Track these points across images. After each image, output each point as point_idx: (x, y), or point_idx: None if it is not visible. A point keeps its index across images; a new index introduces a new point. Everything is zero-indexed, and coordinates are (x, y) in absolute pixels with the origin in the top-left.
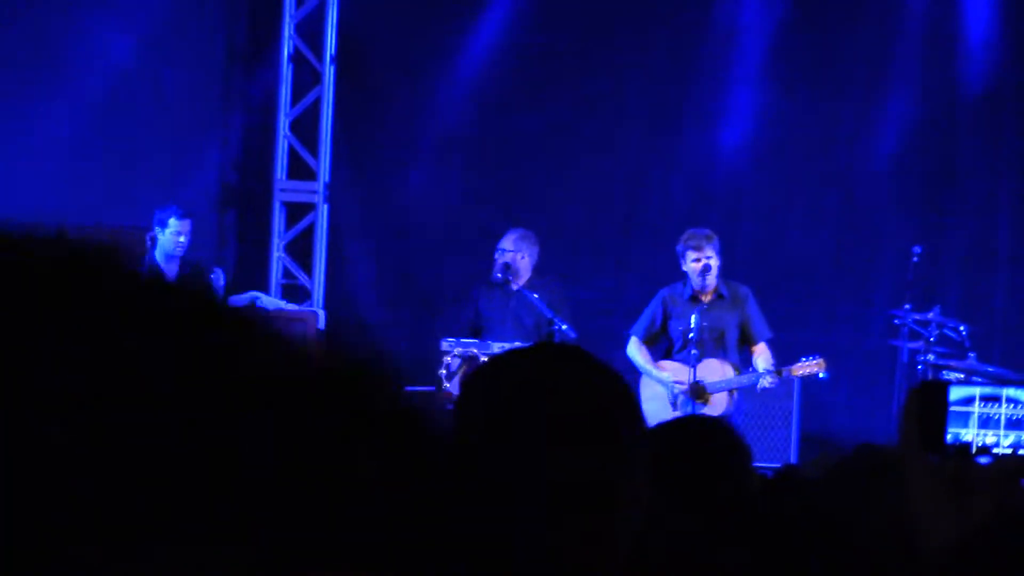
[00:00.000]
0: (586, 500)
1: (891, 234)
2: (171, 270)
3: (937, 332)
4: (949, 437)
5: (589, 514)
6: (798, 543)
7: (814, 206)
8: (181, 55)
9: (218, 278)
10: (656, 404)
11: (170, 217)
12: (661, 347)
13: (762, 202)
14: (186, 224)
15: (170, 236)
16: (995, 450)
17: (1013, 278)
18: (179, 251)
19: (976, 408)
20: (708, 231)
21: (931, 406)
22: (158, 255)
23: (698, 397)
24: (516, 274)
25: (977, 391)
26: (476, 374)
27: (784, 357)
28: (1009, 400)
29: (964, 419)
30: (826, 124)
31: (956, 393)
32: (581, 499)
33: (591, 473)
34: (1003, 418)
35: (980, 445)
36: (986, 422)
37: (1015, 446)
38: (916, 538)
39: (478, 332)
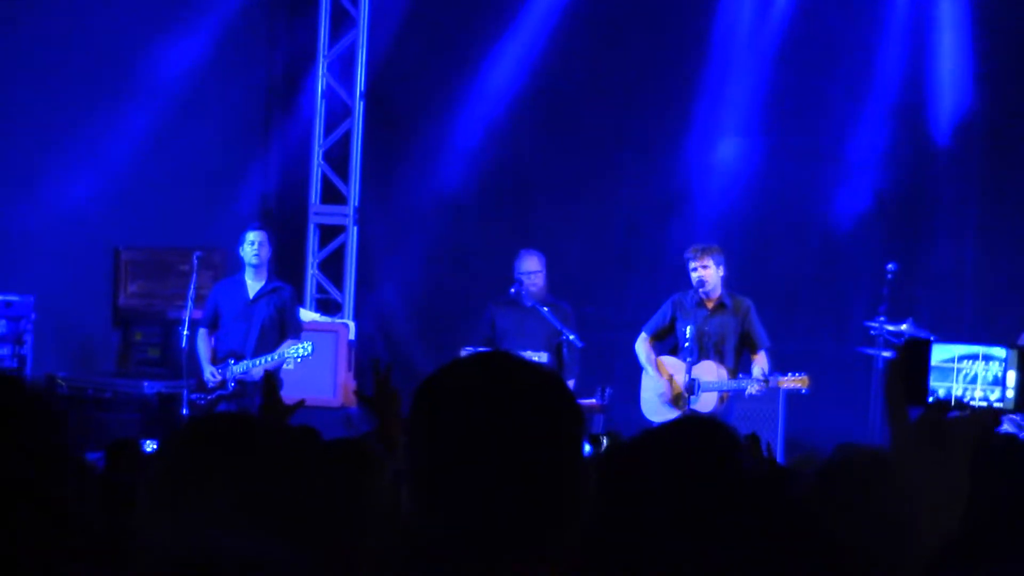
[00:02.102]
0: (529, 483)
1: (868, 253)
2: (255, 287)
3: None
4: (941, 392)
5: (533, 496)
6: (789, 537)
7: (798, 227)
8: (226, 92)
9: (293, 295)
10: (653, 395)
11: (246, 232)
12: (669, 343)
13: (750, 224)
14: (260, 235)
15: (248, 248)
16: (971, 403)
17: (979, 293)
18: (257, 261)
19: (956, 365)
20: (706, 244)
21: (914, 362)
22: (247, 275)
23: (688, 392)
24: (537, 296)
25: (957, 350)
26: (428, 379)
27: (772, 364)
28: (986, 358)
29: (946, 375)
30: (809, 153)
31: (938, 352)
32: (524, 483)
33: (530, 458)
34: (981, 374)
35: (958, 398)
36: (967, 378)
37: (990, 400)
38: (898, 484)
39: (492, 345)
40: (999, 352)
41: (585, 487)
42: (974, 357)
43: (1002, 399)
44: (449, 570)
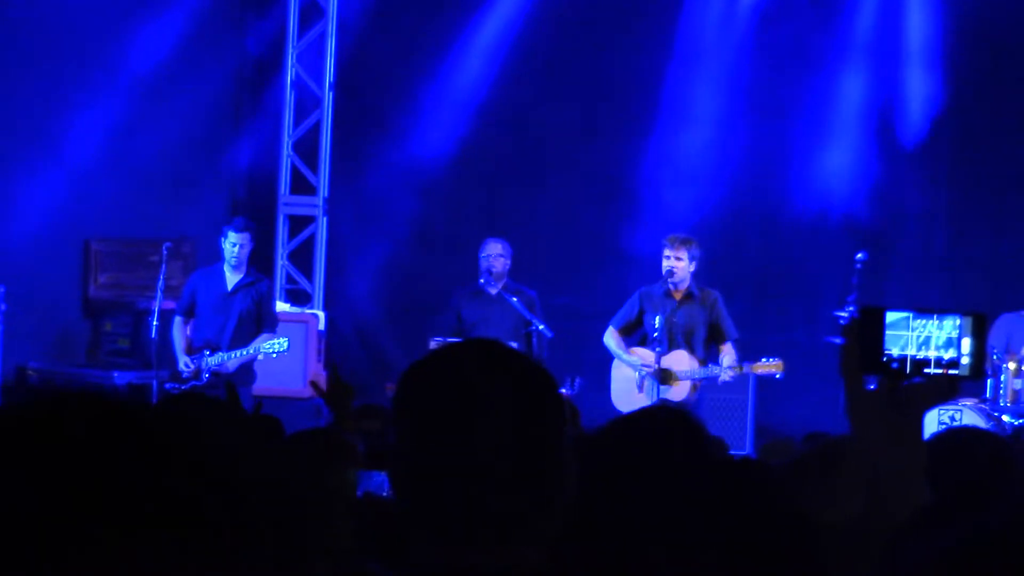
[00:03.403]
0: (512, 470)
1: (838, 242)
2: (233, 279)
3: None
4: (895, 352)
5: (517, 483)
6: (761, 527)
7: (768, 217)
8: (195, 83)
9: (270, 288)
10: (624, 385)
11: (229, 230)
12: (636, 337)
13: (721, 214)
14: (242, 236)
15: (228, 246)
16: (927, 370)
17: (949, 281)
18: (235, 260)
19: (911, 332)
20: (686, 236)
21: (869, 330)
22: (224, 265)
23: (663, 381)
24: (500, 278)
25: (911, 316)
26: (412, 366)
27: (743, 355)
28: (942, 324)
29: (902, 339)
30: (779, 143)
31: (893, 316)
32: (507, 470)
33: (514, 445)
34: (935, 334)
35: (915, 361)
36: (924, 341)
37: (948, 364)
38: (855, 451)
39: (460, 336)
40: (953, 320)
41: (568, 473)
42: (928, 317)
43: (956, 364)
44: (432, 556)
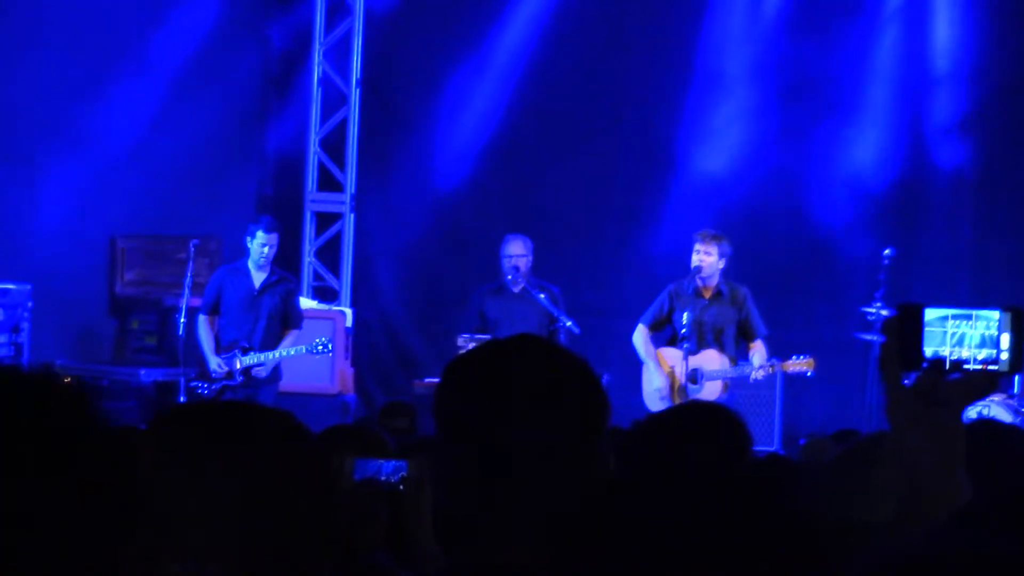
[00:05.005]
0: (546, 461)
1: (865, 239)
2: (259, 277)
3: None
4: (928, 353)
5: (549, 472)
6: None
7: (795, 213)
8: (222, 80)
9: (297, 286)
10: (652, 387)
11: (258, 230)
12: (666, 334)
13: (748, 210)
14: (272, 237)
15: (256, 246)
16: (966, 366)
17: (976, 277)
18: (263, 261)
19: (949, 327)
20: (716, 232)
21: (908, 326)
22: (249, 263)
23: (691, 381)
24: (525, 276)
25: (950, 312)
26: (454, 361)
27: (770, 352)
28: (980, 319)
29: (939, 338)
30: (806, 138)
31: (931, 314)
32: (546, 467)
33: (551, 436)
34: (968, 333)
35: (953, 361)
36: (960, 340)
37: (986, 361)
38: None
39: (484, 335)
40: (992, 314)
41: (604, 471)
42: (966, 318)
43: (996, 361)
44: (461, 553)
